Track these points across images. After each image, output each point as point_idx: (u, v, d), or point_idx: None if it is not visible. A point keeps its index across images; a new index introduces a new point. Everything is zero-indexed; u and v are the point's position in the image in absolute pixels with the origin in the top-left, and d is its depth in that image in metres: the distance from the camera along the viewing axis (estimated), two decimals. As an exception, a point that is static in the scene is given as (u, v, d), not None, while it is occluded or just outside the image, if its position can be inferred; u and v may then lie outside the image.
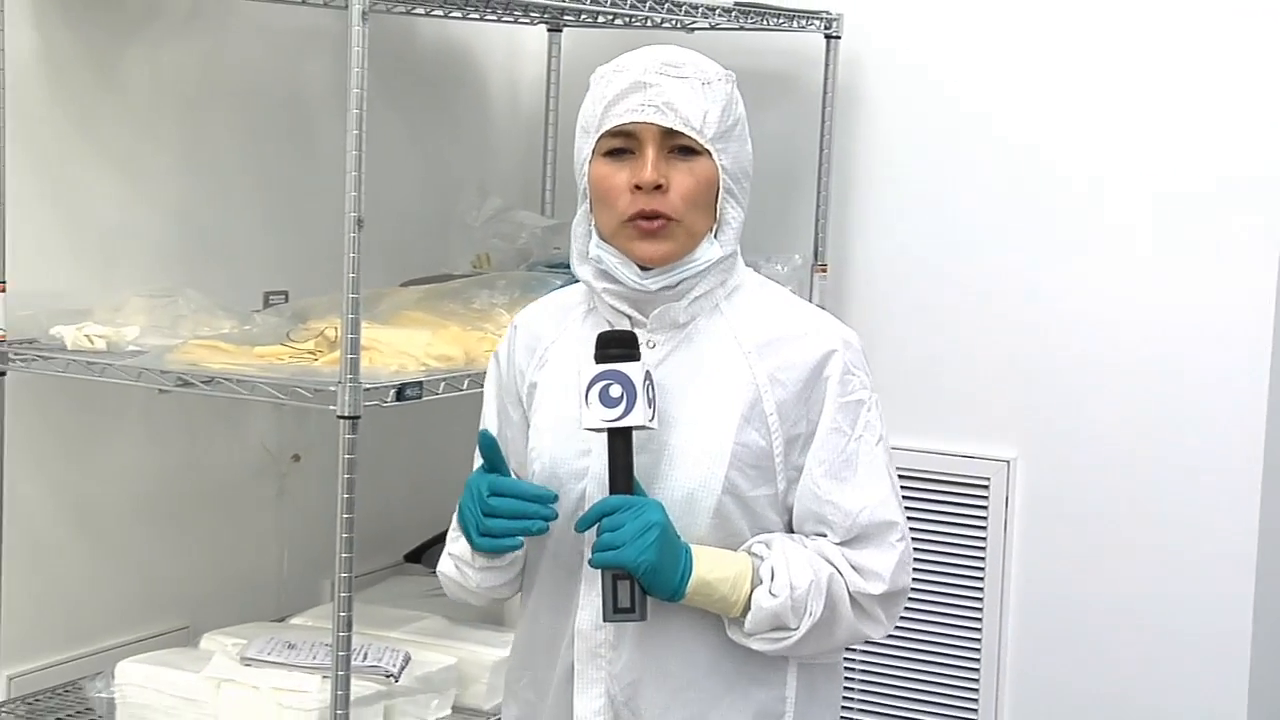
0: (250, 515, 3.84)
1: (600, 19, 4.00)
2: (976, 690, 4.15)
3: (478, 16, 4.04)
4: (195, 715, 3.19)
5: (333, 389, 2.96)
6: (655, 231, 2.31)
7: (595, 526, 2.26)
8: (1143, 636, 3.96)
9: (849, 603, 2.33)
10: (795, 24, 3.98)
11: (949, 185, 4.06)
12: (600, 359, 2.28)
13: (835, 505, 2.34)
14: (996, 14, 3.99)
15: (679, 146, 2.31)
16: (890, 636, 4.12)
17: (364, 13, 2.87)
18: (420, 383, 3.12)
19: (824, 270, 4.09)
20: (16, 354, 3.18)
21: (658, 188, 2.29)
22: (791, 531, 2.38)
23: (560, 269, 3.69)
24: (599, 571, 2.26)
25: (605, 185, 2.32)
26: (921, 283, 4.11)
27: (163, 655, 3.36)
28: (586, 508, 2.32)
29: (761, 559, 2.31)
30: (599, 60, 4.51)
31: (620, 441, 2.28)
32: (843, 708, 4.24)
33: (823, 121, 4.06)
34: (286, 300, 3.66)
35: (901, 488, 4.17)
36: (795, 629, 2.29)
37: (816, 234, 4.09)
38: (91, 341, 3.20)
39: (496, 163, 4.48)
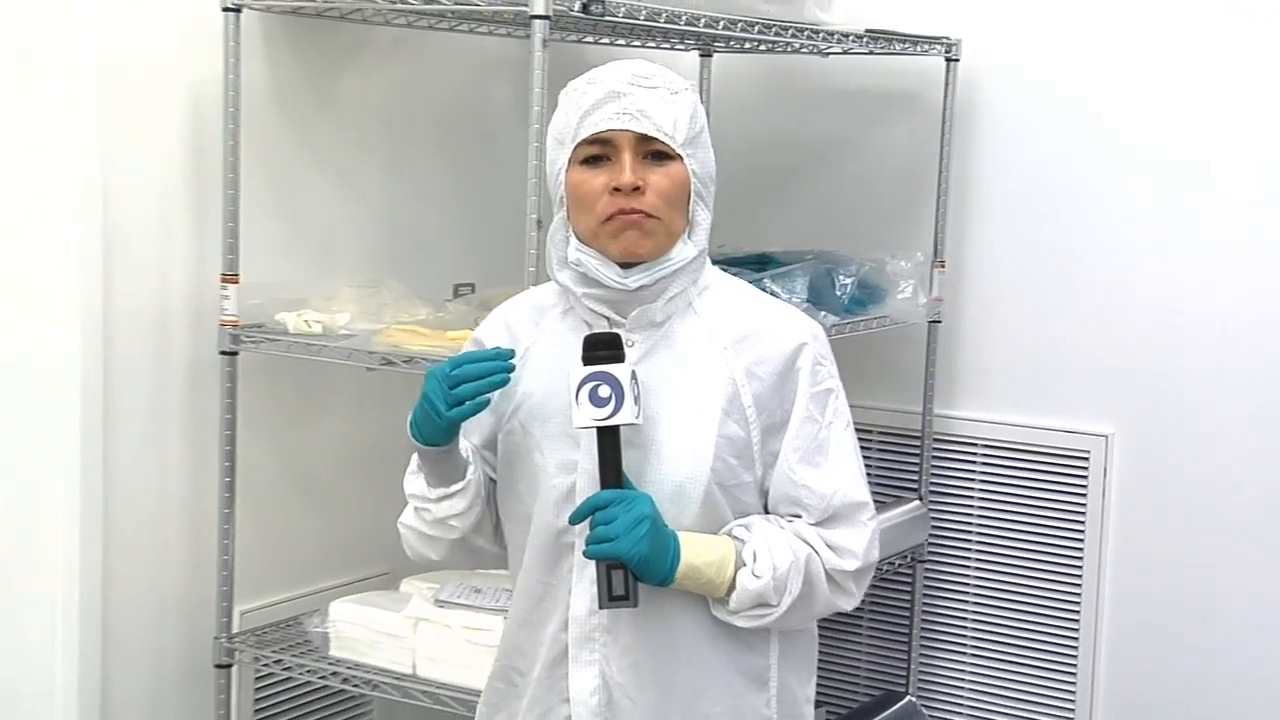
0: (442, 477, 3.89)
1: (747, 45, 4.01)
2: (1075, 658, 4.09)
3: (639, 44, 4.07)
4: (395, 648, 3.23)
5: (515, 367, 3.01)
6: (637, 223, 2.19)
7: (588, 519, 2.16)
8: (1237, 610, 3.88)
9: (825, 579, 2.25)
10: (919, 48, 3.96)
11: (1052, 189, 4.04)
12: (588, 360, 2.16)
13: (810, 489, 2.26)
14: (1099, 39, 3.97)
15: (652, 152, 2.19)
16: (993, 602, 4.19)
17: (544, 40, 2.89)
18: (593, 362, 3.13)
19: (942, 266, 4.07)
20: (247, 337, 3.25)
21: (636, 189, 2.18)
22: (767, 512, 2.30)
23: (718, 264, 3.70)
24: (591, 561, 2.17)
25: (583, 190, 2.21)
26: (1028, 274, 4.09)
27: (369, 596, 3.41)
28: (577, 501, 2.21)
29: (744, 542, 2.23)
30: (746, 81, 4.59)
31: (609, 438, 2.16)
32: (947, 675, 4.30)
33: (942, 134, 4.04)
34: (473, 291, 3.65)
35: (1009, 459, 4.19)
36: (777, 606, 2.22)
37: (936, 234, 4.07)
38: (309, 326, 3.24)
39: (654, 172, 4.49)
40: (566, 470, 2.25)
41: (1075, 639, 4.10)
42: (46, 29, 3.05)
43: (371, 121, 3.64)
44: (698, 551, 2.19)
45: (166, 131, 3.23)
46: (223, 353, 3.27)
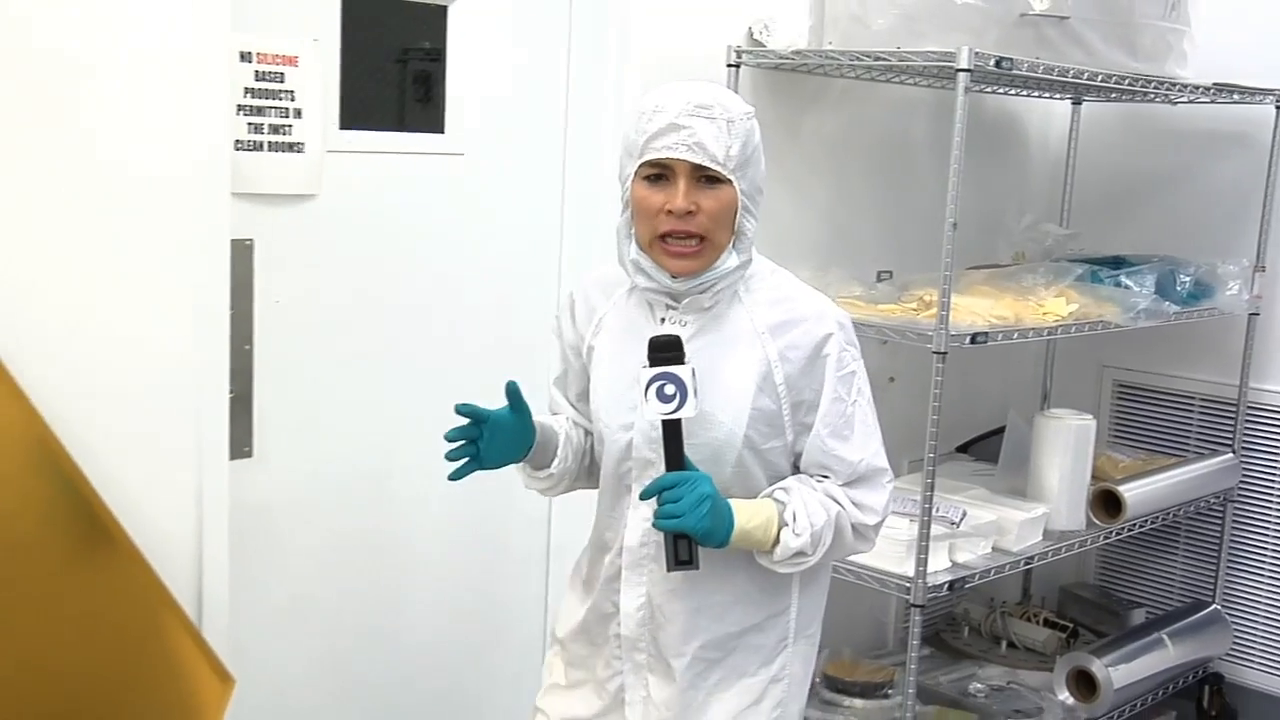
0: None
1: (1111, 95, 3.98)
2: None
3: (1026, 94, 4.07)
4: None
5: (930, 334, 3.01)
6: (687, 253, 2.04)
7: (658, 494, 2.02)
8: None
9: (851, 531, 2.13)
10: (1253, 99, 3.84)
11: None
12: (655, 362, 1.99)
13: (839, 458, 2.11)
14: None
15: (706, 176, 2.02)
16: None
17: (965, 89, 2.93)
18: (986, 333, 3.13)
19: (1263, 270, 3.96)
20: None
21: (689, 212, 2.02)
22: (797, 469, 2.16)
23: (1078, 262, 3.66)
24: (657, 521, 2.01)
25: (645, 205, 2.04)
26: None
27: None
28: (633, 455, 2.13)
29: (784, 504, 2.09)
30: (1111, 125, 4.54)
31: (673, 427, 2.01)
32: (1247, 590, 4.18)
33: (1269, 166, 3.93)
34: (892, 277, 3.65)
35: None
36: (812, 555, 2.09)
37: (1259, 244, 3.96)
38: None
39: (1031, 190, 4.40)
40: (625, 429, 2.15)
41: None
42: (592, 94, 3.17)
43: (822, 149, 3.65)
44: (748, 517, 2.07)
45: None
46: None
